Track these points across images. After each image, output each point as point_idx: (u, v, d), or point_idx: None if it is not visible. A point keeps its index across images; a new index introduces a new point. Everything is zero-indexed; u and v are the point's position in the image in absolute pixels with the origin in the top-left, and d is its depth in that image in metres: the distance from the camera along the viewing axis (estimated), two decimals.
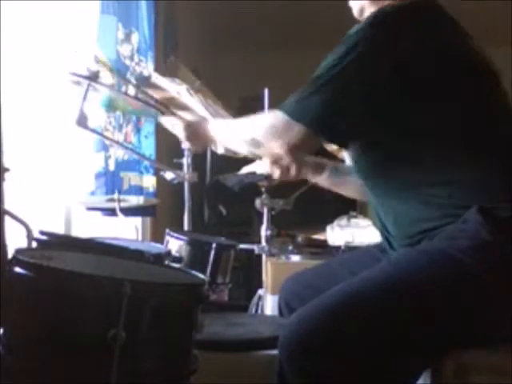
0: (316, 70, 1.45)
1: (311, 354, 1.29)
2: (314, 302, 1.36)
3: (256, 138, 1.54)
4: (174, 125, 1.94)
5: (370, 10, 1.55)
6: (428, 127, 1.40)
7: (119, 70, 3.05)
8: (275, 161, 1.90)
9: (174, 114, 2.08)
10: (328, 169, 1.93)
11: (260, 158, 1.96)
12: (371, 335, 1.30)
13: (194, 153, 2.19)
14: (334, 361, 1.28)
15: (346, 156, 2.68)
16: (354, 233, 2.91)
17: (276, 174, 1.97)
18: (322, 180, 1.93)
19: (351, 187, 1.89)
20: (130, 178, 3.13)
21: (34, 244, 1.48)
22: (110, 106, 2.66)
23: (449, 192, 1.39)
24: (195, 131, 1.87)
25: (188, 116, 2.11)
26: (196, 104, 2.45)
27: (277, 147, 1.48)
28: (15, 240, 1.44)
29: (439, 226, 1.39)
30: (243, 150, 1.67)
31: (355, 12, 1.60)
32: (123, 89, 3.03)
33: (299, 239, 3.20)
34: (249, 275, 3.95)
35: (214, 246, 2.09)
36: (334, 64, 1.40)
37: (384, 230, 1.56)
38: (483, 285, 1.31)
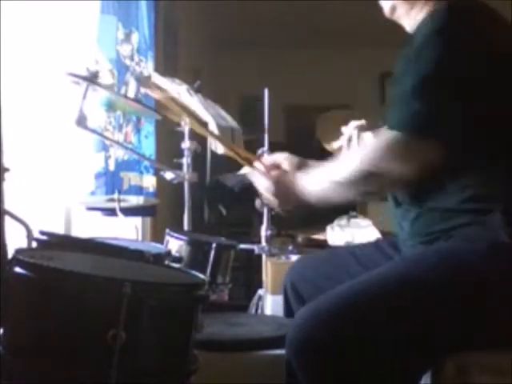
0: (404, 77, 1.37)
1: (319, 352, 1.29)
2: (321, 300, 1.36)
3: (373, 169, 1.35)
4: (258, 182, 1.64)
5: (402, 8, 1.52)
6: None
7: (119, 70, 3.05)
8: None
9: (254, 167, 1.73)
10: None
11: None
12: (379, 334, 1.30)
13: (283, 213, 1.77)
14: (342, 360, 1.28)
15: None
16: (354, 233, 2.92)
17: None
18: None
19: None
20: (130, 178, 3.13)
21: (34, 244, 1.48)
22: (110, 106, 2.66)
23: (471, 195, 1.37)
24: (284, 189, 1.56)
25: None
26: (196, 104, 2.46)
27: (407, 170, 1.35)
28: (15, 240, 1.44)
29: (457, 227, 1.38)
30: (350, 192, 1.43)
31: (386, 11, 1.56)
32: (123, 90, 3.04)
33: (299, 239, 3.21)
34: (249, 275, 3.95)
35: (214, 246, 2.09)
36: (426, 71, 1.34)
37: (399, 228, 1.54)
38: (496, 288, 1.30)
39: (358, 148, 1.39)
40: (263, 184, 1.61)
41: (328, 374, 1.29)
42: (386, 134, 1.36)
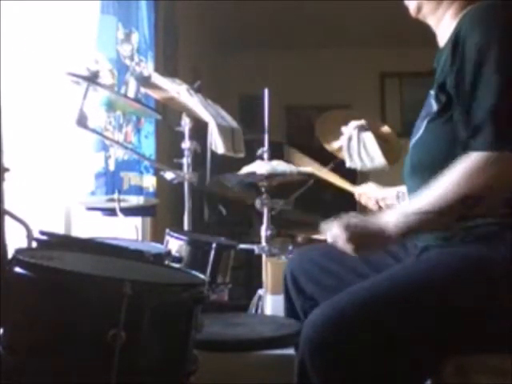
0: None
1: (335, 353, 1.29)
2: (336, 300, 1.35)
3: (472, 194, 1.30)
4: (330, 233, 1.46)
5: (427, 7, 1.52)
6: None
7: (119, 70, 3.05)
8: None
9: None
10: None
11: None
12: (396, 336, 1.30)
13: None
14: (358, 360, 1.28)
15: (346, 157, 2.69)
16: None
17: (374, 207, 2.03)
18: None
19: None
20: (130, 178, 3.13)
21: (34, 244, 1.48)
22: (110, 106, 2.66)
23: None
24: (362, 230, 1.40)
25: None
26: (196, 104, 2.46)
27: (503, 191, 1.33)
28: (15, 240, 1.43)
29: (475, 227, 1.37)
30: (446, 220, 1.36)
31: (412, 10, 1.56)
32: (123, 90, 3.04)
33: (299, 239, 3.20)
34: (249, 275, 3.95)
35: (214, 246, 2.09)
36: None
37: None
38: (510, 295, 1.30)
39: (444, 177, 1.34)
40: (334, 232, 1.43)
41: (341, 375, 1.29)
42: (475, 156, 1.30)
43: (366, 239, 1.39)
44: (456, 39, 1.38)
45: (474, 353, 1.32)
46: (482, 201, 1.31)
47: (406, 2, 1.57)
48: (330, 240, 1.44)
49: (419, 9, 1.54)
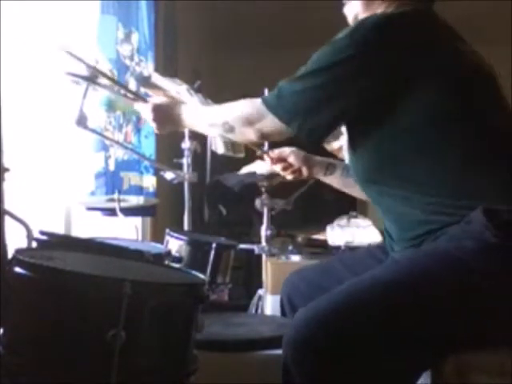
0: (301, 67, 1.51)
1: (317, 353, 1.29)
2: (319, 301, 1.36)
3: (229, 122, 1.58)
4: (142, 107, 1.88)
5: (363, 17, 1.55)
6: (426, 129, 1.41)
7: (119, 70, 3.05)
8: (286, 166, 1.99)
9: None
10: (339, 169, 1.94)
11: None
12: (377, 335, 1.30)
13: (159, 134, 1.97)
14: (340, 360, 1.28)
15: (346, 156, 2.69)
16: (354, 233, 2.91)
17: (288, 177, 2.01)
18: (333, 180, 1.94)
19: None
20: (130, 178, 3.13)
21: (34, 244, 1.48)
22: (110, 106, 2.66)
23: (451, 193, 1.39)
24: (163, 113, 1.81)
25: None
26: (196, 104, 2.45)
27: (249, 133, 1.56)
28: (15, 240, 1.44)
29: (442, 227, 1.39)
30: (213, 133, 1.73)
31: (350, 19, 1.62)
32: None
33: (299, 239, 3.20)
34: (249, 275, 3.95)
35: (214, 246, 2.09)
36: (320, 65, 1.46)
37: (386, 233, 1.56)
38: (486, 286, 1.31)
39: (235, 102, 1.64)
40: (144, 109, 1.84)
41: (325, 375, 1.29)
42: (257, 101, 1.53)
43: (163, 124, 1.81)
44: None
45: (460, 350, 1.32)
46: (234, 132, 1.58)
47: (345, 11, 1.63)
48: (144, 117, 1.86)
49: (356, 18, 1.59)
